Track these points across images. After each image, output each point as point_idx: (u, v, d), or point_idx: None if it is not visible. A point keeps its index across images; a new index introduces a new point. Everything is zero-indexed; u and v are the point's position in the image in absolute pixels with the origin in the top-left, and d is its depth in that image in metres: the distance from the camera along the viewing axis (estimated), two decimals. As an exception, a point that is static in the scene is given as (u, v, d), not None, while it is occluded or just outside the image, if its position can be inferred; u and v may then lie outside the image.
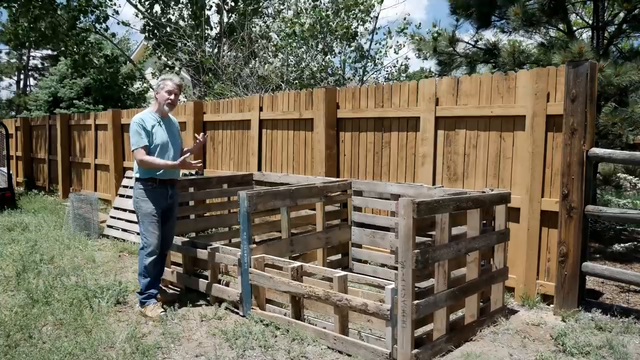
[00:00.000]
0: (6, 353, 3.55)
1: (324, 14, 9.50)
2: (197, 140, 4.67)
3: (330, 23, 9.60)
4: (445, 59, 6.98)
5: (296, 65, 9.68)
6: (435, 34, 7.51)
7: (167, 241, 4.53)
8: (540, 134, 4.46)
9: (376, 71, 10.62)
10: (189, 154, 4.62)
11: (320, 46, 9.87)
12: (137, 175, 4.34)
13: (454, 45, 6.78)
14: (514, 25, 6.41)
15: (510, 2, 6.31)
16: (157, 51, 13.78)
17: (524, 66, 6.01)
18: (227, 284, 4.54)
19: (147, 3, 13.84)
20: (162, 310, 4.30)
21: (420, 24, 10.67)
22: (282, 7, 11.84)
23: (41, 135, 12.93)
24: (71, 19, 12.81)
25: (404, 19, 10.46)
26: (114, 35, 14.59)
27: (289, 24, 9.74)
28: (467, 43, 6.93)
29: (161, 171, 4.33)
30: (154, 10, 13.89)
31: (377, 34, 11.07)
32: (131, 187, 7.63)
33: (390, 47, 10.60)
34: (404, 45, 10.56)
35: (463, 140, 5.03)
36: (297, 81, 9.59)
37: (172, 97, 4.40)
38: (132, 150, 4.29)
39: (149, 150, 4.28)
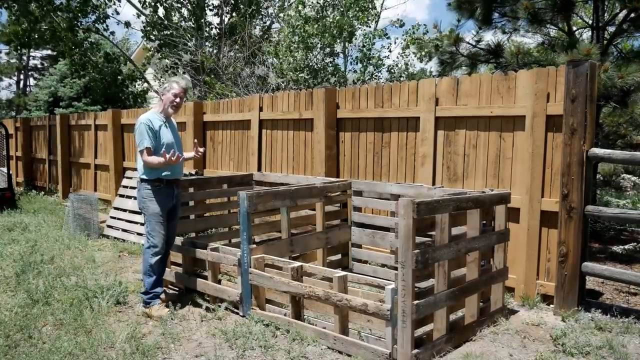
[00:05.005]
0: (6, 353, 3.55)
1: (330, 20, 9.51)
2: (197, 152, 4.67)
3: (334, 24, 9.59)
4: (447, 58, 6.97)
5: (301, 61, 9.66)
6: (438, 34, 7.52)
7: (170, 239, 4.57)
8: (540, 134, 4.46)
9: (378, 72, 10.60)
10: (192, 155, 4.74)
11: (320, 46, 9.86)
12: (144, 177, 4.35)
13: (457, 45, 6.77)
14: (517, 23, 6.40)
15: None
16: (159, 52, 13.77)
17: (526, 67, 6.00)
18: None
19: (148, 3, 13.82)
20: (168, 310, 4.30)
21: (425, 26, 10.64)
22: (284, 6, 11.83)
23: (41, 135, 12.92)
24: (71, 19, 12.80)
25: (400, 19, 10.60)
26: (112, 32, 14.54)
27: (293, 20, 9.75)
28: (468, 43, 6.93)
29: (167, 172, 4.36)
30: (155, 12, 13.88)
31: (380, 38, 11.03)
32: (131, 187, 7.70)
33: (401, 62, 10.61)
34: (407, 47, 10.55)
35: (463, 141, 5.02)
36: (302, 75, 9.55)
37: (178, 100, 4.43)
38: (139, 151, 4.30)
39: (156, 150, 4.31)
